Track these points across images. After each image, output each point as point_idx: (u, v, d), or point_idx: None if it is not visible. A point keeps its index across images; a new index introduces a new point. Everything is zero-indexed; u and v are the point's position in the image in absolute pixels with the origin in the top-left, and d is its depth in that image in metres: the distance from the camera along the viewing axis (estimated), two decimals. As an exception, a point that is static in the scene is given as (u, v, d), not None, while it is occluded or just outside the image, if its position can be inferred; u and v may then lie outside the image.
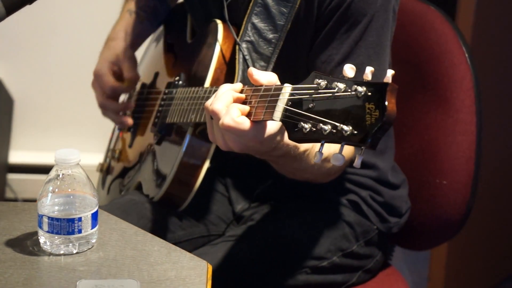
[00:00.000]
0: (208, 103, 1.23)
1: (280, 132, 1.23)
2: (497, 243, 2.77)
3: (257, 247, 1.59)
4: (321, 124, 1.07)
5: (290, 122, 1.12)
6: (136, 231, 1.32)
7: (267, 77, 1.21)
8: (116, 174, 1.89)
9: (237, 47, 1.53)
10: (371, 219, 1.67)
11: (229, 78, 1.54)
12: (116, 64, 1.78)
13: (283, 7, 1.50)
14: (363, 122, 1.03)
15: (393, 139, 1.75)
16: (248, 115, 1.20)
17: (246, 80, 1.26)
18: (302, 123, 1.10)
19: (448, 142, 1.73)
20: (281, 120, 1.14)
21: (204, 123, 1.33)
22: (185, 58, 1.74)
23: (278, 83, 1.21)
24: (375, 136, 1.03)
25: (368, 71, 1.06)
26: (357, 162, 1.07)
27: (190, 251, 1.29)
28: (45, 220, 1.24)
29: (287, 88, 1.15)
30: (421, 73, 1.79)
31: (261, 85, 1.21)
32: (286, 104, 1.13)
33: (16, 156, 3.06)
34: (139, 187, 1.71)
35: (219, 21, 1.59)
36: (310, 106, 1.10)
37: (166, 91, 1.71)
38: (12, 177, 3.02)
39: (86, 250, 1.26)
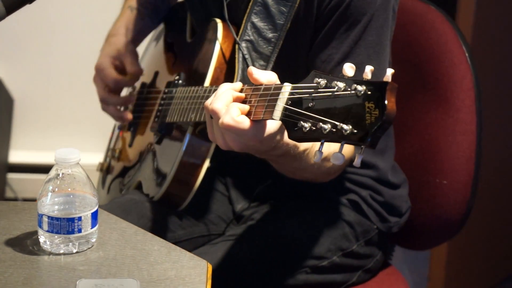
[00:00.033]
0: (208, 102, 1.23)
1: (280, 131, 1.23)
2: (497, 243, 2.77)
3: (257, 247, 1.59)
4: (320, 123, 1.07)
5: (290, 121, 1.12)
6: (136, 231, 1.32)
7: (266, 76, 1.21)
8: (116, 174, 1.89)
9: (236, 46, 1.53)
10: (371, 219, 1.67)
11: (229, 77, 1.54)
12: (118, 58, 1.79)
13: (283, 6, 1.50)
14: (363, 121, 1.03)
15: (393, 139, 1.75)
16: (248, 114, 1.20)
17: (246, 79, 1.27)
18: (302, 122, 1.10)
19: (448, 142, 1.73)
20: (281, 119, 1.14)
21: (204, 122, 1.33)
22: (185, 57, 1.74)
23: (278, 82, 1.21)
24: (374, 135, 1.03)
25: (368, 70, 1.06)
26: (357, 161, 1.07)
27: (190, 251, 1.29)
28: (45, 219, 1.24)
29: (287, 87, 1.15)
30: (421, 73, 1.79)
31: (261, 84, 1.21)
32: (286, 103, 1.13)
33: (16, 156, 3.06)
34: (139, 187, 1.71)
35: (218, 20, 1.59)
36: (310, 105, 1.10)
37: (166, 90, 1.71)
38: (12, 176, 3.02)
39: (86, 250, 1.26)
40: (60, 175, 1.24)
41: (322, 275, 1.62)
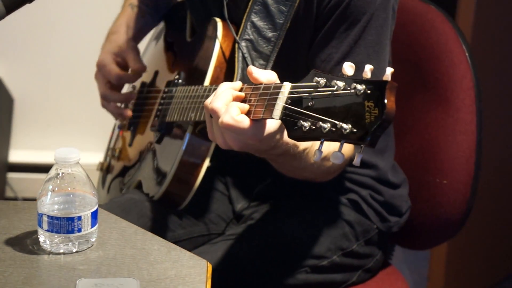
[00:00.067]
0: (208, 101, 1.23)
1: (279, 130, 1.23)
2: (497, 242, 2.77)
3: (257, 246, 1.59)
4: (320, 122, 1.07)
5: (289, 120, 1.12)
6: (136, 230, 1.32)
7: (266, 76, 1.21)
8: (116, 173, 1.89)
9: (236, 45, 1.53)
10: (371, 219, 1.67)
11: (229, 77, 1.54)
12: (119, 55, 1.79)
13: (283, 5, 1.50)
14: (363, 120, 1.03)
15: (393, 139, 1.75)
16: (248, 113, 1.20)
17: (246, 79, 1.27)
18: (301, 121, 1.10)
19: (448, 142, 1.73)
20: (281, 119, 1.14)
21: (204, 121, 1.33)
22: (185, 57, 1.74)
23: (278, 81, 1.21)
24: (374, 134, 1.03)
25: (368, 69, 1.05)
26: (356, 160, 1.07)
27: (190, 250, 1.29)
28: (45, 219, 1.24)
29: (287, 86, 1.15)
30: (421, 73, 1.79)
31: (261, 84, 1.21)
32: (286, 103, 1.14)
33: (16, 155, 3.06)
34: (139, 186, 1.71)
35: (218, 20, 1.59)
36: (309, 104, 1.10)
37: (166, 89, 1.71)
38: (12, 176, 3.02)
39: (85, 249, 1.26)
40: (60, 175, 1.24)
41: (322, 275, 1.62)
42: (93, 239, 1.27)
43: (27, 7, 1.32)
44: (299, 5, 1.49)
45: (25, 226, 1.31)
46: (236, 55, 1.53)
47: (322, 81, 1.09)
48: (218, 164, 1.73)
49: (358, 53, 1.48)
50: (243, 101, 1.22)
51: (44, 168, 2.91)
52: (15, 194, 3.01)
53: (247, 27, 1.53)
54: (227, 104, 1.20)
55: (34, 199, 1.28)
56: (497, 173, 2.64)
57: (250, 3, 1.52)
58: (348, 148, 1.40)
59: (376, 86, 1.03)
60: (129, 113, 1.80)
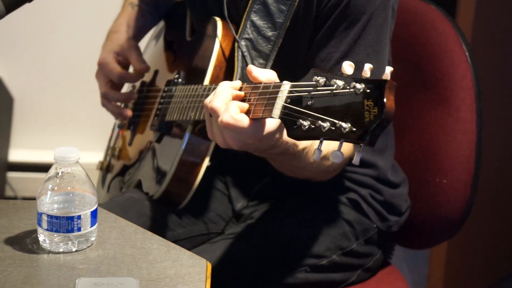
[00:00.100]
0: (207, 100, 1.23)
1: (279, 129, 1.23)
2: (497, 242, 2.77)
3: (256, 245, 1.59)
4: (320, 121, 1.07)
5: (289, 119, 1.12)
6: (136, 229, 1.32)
7: (266, 75, 1.21)
8: (116, 172, 1.89)
9: (236, 44, 1.53)
10: (371, 218, 1.67)
11: (228, 76, 1.54)
12: (121, 54, 1.78)
13: (282, 4, 1.50)
14: (362, 119, 1.03)
15: (393, 138, 1.75)
16: (247, 112, 1.20)
17: (245, 78, 1.27)
18: (301, 120, 1.10)
19: (448, 141, 1.73)
20: (280, 118, 1.14)
21: (203, 121, 1.33)
22: (185, 56, 1.74)
23: (277, 80, 1.21)
24: (373, 133, 1.03)
25: (367, 68, 1.05)
26: (356, 159, 1.07)
27: (189, 249, 1.29)
28: (45, 218, 1.24)
29: (286, 85, 1.15)
30: (422, 72, 1.79)
31: (260, 83, 1.21)
32: (285, 102, 1.14)
33: (16, 154, 3.06)
34: (139, 185, 1.71)
35: (218, 19, 1.59)
36: (309, 103, 1.10)
37: (166, 88, 1.71)
38: (12, 175, 3.02)
39: (85, 248, 1.25)
40: (60, 174, 1.24)
41: (321, 274, 1.62)
42: (93, 238, 1.27)
43: (26, 6, 1.32)
44: (299, 4, 1.49)
45: (25, 225, 1.31)
46: (236, 54, 1.53)
47: (322, 80, 1.09)
48: (218, 164, 1.73)
49: (358, 52, 1.48)
50: (243, 100, 1.22)
51: (44, 168, 2.91)
52: (14, 193, 3.01)
53: (247, 26, 1.53)
54: (226, 103, 1.20)
55: (34, 199, 1.28)
56: (497, 173, 2.64)
57: (250, 2, 1.52)
58: (347, 147, 1.40)
59: (376, 85, 1.03)
60: (129, 112, 1.79)
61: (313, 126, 1.08)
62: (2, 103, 2.98)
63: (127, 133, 1.88)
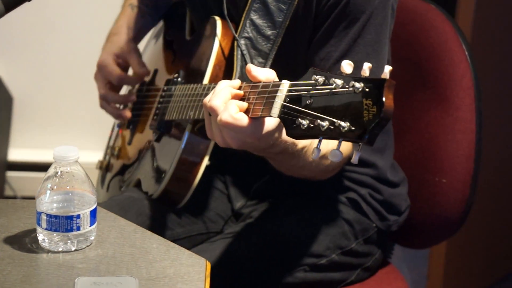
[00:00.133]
0: (207, 99, 1.23)
1: (278, 129, 1.23)
2: (496, 241, 2.77)
3: (255, 245, 1.59)
4: (318, 120, 1.07)
5: (288, 118, 1.12)
6: (135, 229, 1.32)
7: (265, 74, 1.21)
8: (115, 172, 1.89)
9: (235, 43, 1.53)
10: (370, 217, 1.67)
11: (228, 75, 1.54)
12: (121, 56, 1.78)
13: (282, 3, 1.50)
14: (361, 118, 1.03)
15: (393, 138, 1.75)
16: (246, 111, 1.20)
17: (245, 77, 1.27)
18: (300, 119, 1.10)
19: (448, 141, 1.73)
20: (279, 117, 1.14)
21: (203, 120, 1.33)
22: (184, 55, 1.74)
23: (276, 79, 1.21)
24: (372, 132, 1.03)
25: (366, 67, 1.05)
26: (354, 158, 1.07)
27: (188, 249, 1.29)
28: (44, 217, 1.24)
29: (285, 84, 1.15)
30: (421, 72, 1.79)
31: (259, 82, 1.21)
32: (284, 101, 1.13)
33: (15, 154, 3.06)
34: (138, 184, 1.71)
35: (217, 18, 1.59)
36: (308, 102, 1.10)
37: (165, 88, 1.71)
38: (11, 174, 3.02)
39: (84, 248, 1.25)
40: (59, 173, 1.24)
41: (320, 273, 1.62)
42: (92, 238, 1.27)
43: (26, 5, 1.32)
44: (299, 3, 1.49)
45: (24, 225, 1.31)
46: (235, 53, 1.53)
47: (321, 79, 1.09)
48: (218, 163, 1.73)
49: (357, 51, 1.48)
50: (242, 99, 1.22)
51: (43, 167, 2.90)
52: (14, 193, 3.01)
53: (246, 25, 1.53)
54: (225, 102, 1.20)
55: (33, 198, 1.28)
56: (497, 172, 2.64)
57: (249, 1, 1.52)
58: (346, 146, 1.40)
59: (375, 84, 1.03)
60: (128, 114, 1.79)
61: (312, 125, 1.08)
62: (1, 103, 2.98)
63: (127, 133, 1.88)
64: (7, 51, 3.01)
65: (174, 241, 1.36)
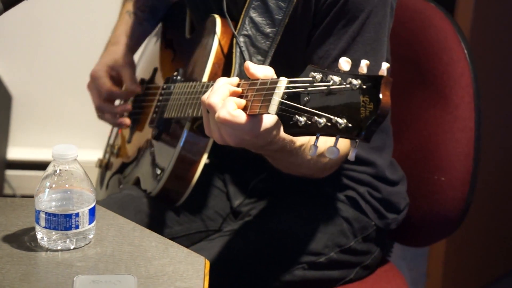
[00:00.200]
0: (205, 96, 1.24)
1: (276, 126, 1.23)
2: (495, 240, 2.77)
3: (254, 243, 1.59)
4: (316, 117, 1.07)
5: (285, 115, 1.12)
6: (134, 227, 1.32)
7: (263, 71, 1.21)
8: (115, 170, 1.89)
9: (234, 40, 1.53)
10: (369, 215, 1.67)
11: (227, 73, 1.54)
12: (114, 69, 1.78)
13: (281, 1, 1.50)
14: (358, 115, 1.03)
15: (392, 136, 1.75)
16: (244, 109, 1.20)
17: (243, 74, 1.27)
18: (297, 116, 1.10)
19: (447, 139, 1.73)
20: (277, 114, 1.14)
21: (202, 118, 1.33)
22: (184, 54, 1.74)
23: (275, 77, 1.21)
24: (369, 129, 1.03)
25: (363, 64, 1.06)
26: (351, 155, 1.07)
27: (187, 247, 1.29)
28: (42, 215, 1.24)
29: (283, 81, 1.15)
30: (420, 70, 1.79)
31: (257, 79, 1.21)
32: (282, 98, 1.14)
33: (14, 152, 3.06)
34: (137, 182, 1.71)
35: (217, 16, 1.59)
36: (305, 99, 1.10)
37: (165, 86, 1.71)
38: (10, 173, 3.02)
39: (83, 246, 1.25)
40: (58, 171, 1.24)
41: (319, 271, 1.62)
42: (91, 236, 1.27)
43: (25, 4, 1.31)
44: (298, 1, 1.49)
45: (23, 223, 1.31)
46: (234, 51, 1.53)
47: (318, 76, 1.09)
48: (217, 161, 1.73)
49: (356, 50, 1.48)
50: (240, 96, 1.22)
51: (42, 165, 2.89)
52: (13, 191, 3.01)
53: (246, 23, 1.53)
54: (224, 99, 1.20)
55: (32, 196, 1.28)
56: (496, 170, 2.64)
57: (248, -2, 1.52)
58: (344, 144, 1.39)
59: (372, 81, 1.03)
60: (127, 121, 1.79)
61: (309, 122, 1.09)
62: (0, 101, 2.98)
63: (126, 131, 1.88)
64: (6, 49, 3.01)
65: (172, 239, 1.36)
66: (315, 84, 1.09)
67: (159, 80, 1.79)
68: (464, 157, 1.72)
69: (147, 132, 1.74)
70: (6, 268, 1.19)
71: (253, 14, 1.52)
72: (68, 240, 1.24)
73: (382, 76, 1.03)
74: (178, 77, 1.68)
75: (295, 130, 1.11)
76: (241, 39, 1.53)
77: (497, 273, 2.80)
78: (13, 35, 2.99)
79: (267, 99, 1.15)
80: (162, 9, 1.89)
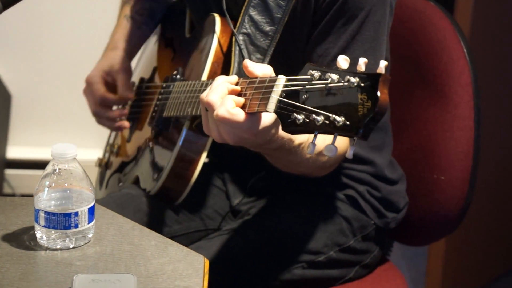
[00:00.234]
0: (204, 95, 1.24)
1: (275, 125, 1.23)
2: (495, 238, 2.77)
3: (253, 242, 1.59)
4: (314, 115, 1.07)
5: (284, 113, 1.13)
6: (133, 226, 1.32)
7: (262, 69, 1.21)
8: (114, 169, 1.89)
9: (233, 39, 1.53)
10: (369, 214, 1.67)
11: (226, 71, 1.54)
12: (110, 74, 1.78)
13: None
14: (356, 113, 1.03)
15: (391, 135, 1.75)
16: (243, 107, 1.20)
17: (242, 73, 1.27)
18: (295, 114, 1.10)
19: (446, 138, 1.73)
20: (275, 112, 1.14)
21: (201, 116, 1.33)
22: (184, 53, 1.74)
23: (273, 75, 1.21)
24: (367, 127, 1.03)
25: (362, 62, 1.06)
26: (349, 153, 1.08)
27: (186, 245, 1.29)
28: (42, 214, 1.24)
29: (281, 79, 1.15)
30: (420, 69, 1.79)
31: (256, 77, 1.21)
32: (280, 96, 1.14)
33: (14, 152, 3.06)
34: (136, 181, 1.71)
35: (216, 15, 1.59)
36: (304, 97, 1.10)
37: (164, 85, 1.72)
38: (10, 172, 3.02)
39: (83, 245, 1.25)
40: (57, 170, 1.24)
41: (318, 270, 1.62)
42: (90, 235, 1.27)
43: (24, 3, 1.31)
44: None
45: (22, 222, 1.31)
46: (233, 49, 1.53)
47: (317, 74, 1.09)
48: (216, 160, 1.73)
49: (355, 48, 1.48)
50: (239, 94, 1.22)
51: (42, 165, 2.89)
52: (13, 191, 3.01)
53: (245, 21, 1.53)
54: (222, 98, 1.20)
55: (32, 195, 1.28)
56: (495, 169, 2.64)
57: (248, -4, 1.52)
58: (343, 142, 1.40)
59: (370, 78, 1.03)
60: (126, 124, 1.79)
61: (307, 120, 1.09)
62: (0, 100, 2.98)
63: (126, 130, 1.88)
64: (5, 49, 3.01)
65: (171, 238, 1.36)
66: (313, 82, 1.09)
67: (159, 79, 1.80)
68: (464, 156, 1.72)
69: (147, 131, 1.74)
70: (6, 267, 1.19)
71: (253, 12, 1.52)
72: (67, 239, 1.24)
73: (380, 74, 1.03)
74: (178, 76, 1.68)
75: (293, 128, 1.11)
76: (240, 37, 1.53)
77: (497, 273, 2.80)
78: (13, 34, 2.99)
79: (266, 97, 1.15)
80: (160, 11, 1.89)
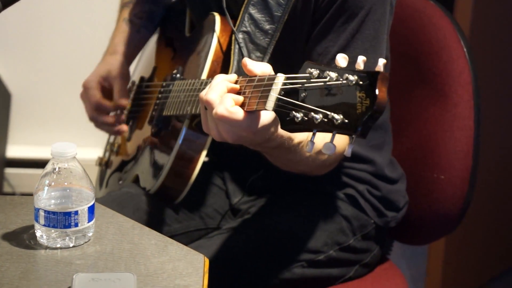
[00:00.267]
0: (203, 93, 1.24)
1: (274, 123, 1.23)
2: (495, 237, 2.77)
3: (253, 241, 1.59)
4: (312, 113, 1.08)
5: (282, 111, 1.13)
6: (133, 225, 1.32)
7: (261, 68, 1.21)
8: (114, 168, 1.89)
9: (233, 37, 1.53)
10: (368, 213, 1.67)
11: (225, 70, 1.54)
12: (107, 80, 1.78)
13: None
14: (354, 111, 1.03)
15: (391, 134, 1.75)
16: (242, 105, 1.20)
17: (241, 71, 1.27)
18: (294, 112, 1.10)
19: (446, 137, 1.73)
20: (274, 110, 1.14)
21: (200, 115, 1.33)
22: (183, 52, 1.74)
23: (272, 73, 1.21)
24: (365, 125, 1.03)
25: (360, 60, 1.06)
26: (347, 151, 1.08)
27: (186, 244, 1.29)
28: (42, 213, 1.24)
29: (280, 78, 1.15)
30: (420, 68, 1.79)
31: (255, 76, 1.21)
32: (279, 94, 1.14)
33: (13, 151, 3.06)
34: (136, 180, 1.71)
35: (216, 14, 1.59)
36: (302, 95, 1.10)
37: (164, 84, 1.72)
38: (9, 171, 3.02)
39: (82, 244, 1.25)
40: (57, 169, 1.24)
41: (318, 269, 1.62)
42: (90, 234, 1.27)
43: (24, 2, 1.31)
44: (297, -2, 1.50)
45: (22, 221, 1.31)
46: (233, 47, 1.53)
47: (315, 72, 1.09)
48: (216, 159, 1.72)
49: (355, 47, 1.48)
50: (238, 93, 1.22)
51: (42, 164, 2.89)
52: (12, 190, 3.01)
53: (245, 19, 1.53)
54: (221, 96, 1.20)
55: (31, 194, 1.28)
56: (495, 169, 2.64)
57: (248, -5, 1.52)
58: (341, 140, 1.40)
59: (368, 77, 1.03)
60: (124, 128, 1.79)
61: (306, 118, 1.09)
62: None
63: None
64: (5, 47, 3.01)
65: (171, 237, 1.36)
66: (312, 80, 1.09)
67: (159, 78, 1.80)
68: (464, 155, 1.72)
69: (147, 130, 1.74)
70: (6, 266, 1.19)
71: (253, 10, 1.52)
72: (67, 238, 1.24)
73: (378, 72, 1.03)
74: (178, 75, 1.68)
75: (292, 126, 1.11)
76: (240, 35, 1.53)
77: (497, 272, 2.80)
78: (13, 33, 2.99)
79: (265, 96, 1.15)
80: (159, 14, 1.88)
